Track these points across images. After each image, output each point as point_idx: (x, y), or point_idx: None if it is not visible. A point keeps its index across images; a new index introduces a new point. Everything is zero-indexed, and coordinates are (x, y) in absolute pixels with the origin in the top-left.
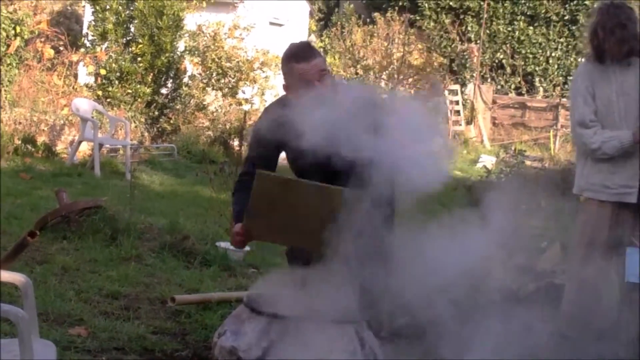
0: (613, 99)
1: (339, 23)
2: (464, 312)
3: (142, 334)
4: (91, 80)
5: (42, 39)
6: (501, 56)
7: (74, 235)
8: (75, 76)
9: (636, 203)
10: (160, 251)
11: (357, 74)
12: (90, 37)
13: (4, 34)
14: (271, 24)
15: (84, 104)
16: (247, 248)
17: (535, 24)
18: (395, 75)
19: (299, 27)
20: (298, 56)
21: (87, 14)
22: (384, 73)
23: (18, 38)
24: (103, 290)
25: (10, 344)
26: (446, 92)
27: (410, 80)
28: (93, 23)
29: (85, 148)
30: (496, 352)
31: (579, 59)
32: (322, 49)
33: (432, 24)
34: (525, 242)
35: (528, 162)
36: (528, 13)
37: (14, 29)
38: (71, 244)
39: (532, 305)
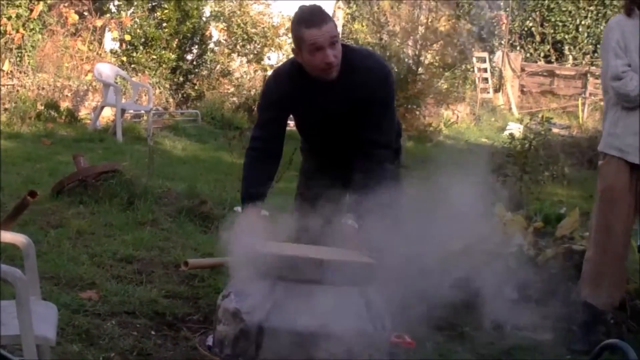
0: None
1: None
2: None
3: (154, 297)
4: (116, 45)
5: (66, 4)
6: (530, 24)
7: (91, 200)
8: (100, 42)
9: None
10: (177, 216)
11: (381, 39)
12: (115, 2)
13: None
14: None
15: (107, 69)
16: (265, 213)
17: None
18: (421, 42)
19: None
20: (308, 21)
21: None
22: (409, 39)
23: (41, 2)
24: (117, 254)
25: (10, 306)
26: (474, 60)
27: (436, 46)
28: None
29: (108, 114)
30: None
31: None
32: (349, 16)
33: None
34: (544, 208)
35: (556, 130)
36: None
37: None
38: (87, 208)
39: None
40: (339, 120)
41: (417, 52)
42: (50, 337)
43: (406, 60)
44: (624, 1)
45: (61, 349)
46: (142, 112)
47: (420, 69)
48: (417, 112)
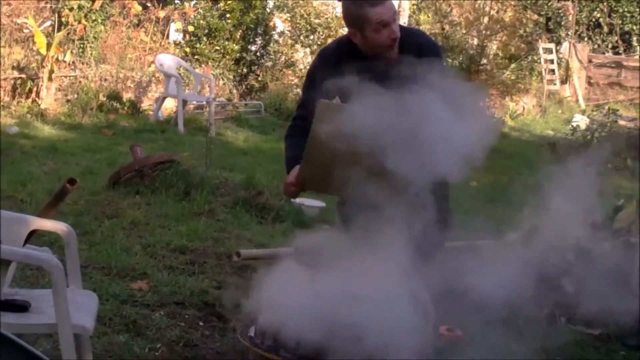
0: None
1: None
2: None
3: (204, 288)
4: (180, 37)
5: None
6: (598, 15)
7: (147, 190)
8: (163, 32)
9: None
10: (234, 206)
11: (443, 29)
12: None
13: None
14: None
15: (168, 60)
16: (322, 204)
17: None
18: (484, 31)
19: None
20: (372, 0)
21: None
22: (473, 29)
23: None
24: (170, 244)
25: (48, 295)
26: (541, 51)
27: (500, 37)
28: None
29: (171, 105)
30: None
31: None
32: (415, 6)
33: None
34: (604, 200)
35: (623, 122)
36: None
37: None
38: (144, 198)
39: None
40: (391, 102)
41: (480, 43)
42: (87, 326)
43: (469, 50)
44: None
45: (107, 339)
46: (204, 103)
47: (483, 59)
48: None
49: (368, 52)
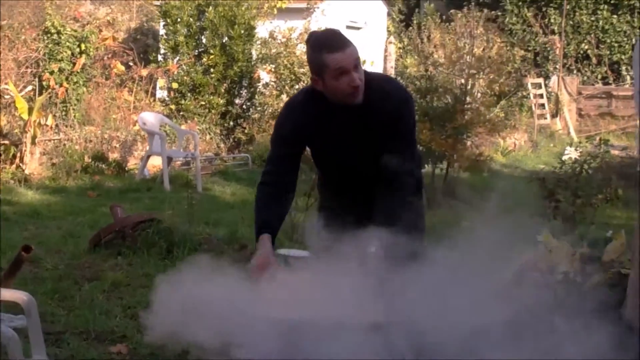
0: None
1: (417, 23)
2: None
3: (186, 349)
4: (164, 94)
5: (109, 55)
6: (586, 47)
7: (129, 251)
8: (147, 91)
9: None
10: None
11: (426, 70)
12: (162, 51)
13: (69, 52)
14: (348, 27)
15: (151, 118)
16: (306, 254)
17: (619, 12)
18: (467, 70)
19: (376, 29)
20: (330, 46)
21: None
22: (455, 68)
23: (84, 56)
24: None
25: None
26: (530, 86)
27: (485, 75)
28: (164, 36)
29: (158, 163)
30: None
31: None
32: (401, 49)
33: (514, 18)
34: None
35: (615, 152)
36: (611, 1)
37: (79, 46)
38: (125, 259)
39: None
40: (359, 148)
41: (464, 82)
42: None
43: (454, 90)
44: None
45: None
46: (190, 158)
47: (468, 98)
48: (467, 142)
49: (332, 100)
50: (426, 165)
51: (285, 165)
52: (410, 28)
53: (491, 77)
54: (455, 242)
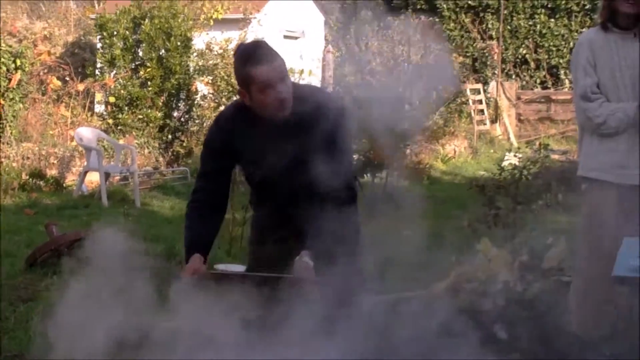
0: (617, 72)
1: (354, 31)
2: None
3: None
4: (101, 109)
5: (45, 70)
6: (524, 51)
7: (65, 269)
8: (84, 106)
9: None
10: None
11: (363, 79)
12: (98, 65)
13: (4, 68)
14: (285, 37)
15: (88, 133)
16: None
17: (557, 16)
18: (404, 78)
19: (314, 38)
20: (256, 59)
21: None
22: (391, 76)
23: (19, 71)
24: None
25: None
26: (468, 92)
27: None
28: (101, 50)
29: (96, 178)
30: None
31: None
32: (339, 58)
33: (451, 24)
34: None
35: (555, 156)
36: (548, 5)
37: (14, 62)
38: (61, 278)
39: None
40: (291, 162)
41: (401, 90)
42: None
43: (391, 98)
44: (601, 14)
45: None
46: (127, 174)
47: (406, 106)
48: (406, 151)
49: (261, 113)
50: (365, 175)
51: (216, 182)
52: (348, 36)
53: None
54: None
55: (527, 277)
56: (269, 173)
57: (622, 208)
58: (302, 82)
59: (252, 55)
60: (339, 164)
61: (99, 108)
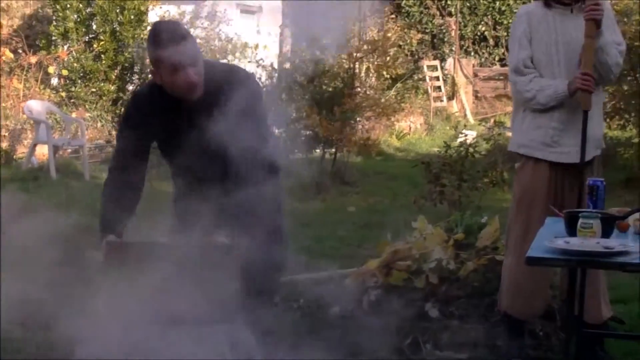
0: (552, 47)
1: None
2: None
3: None
4: (55, 81)
5: None
6: (483, 28)
7: None
8: (37, 79)
9: (578, 164)
10: None
11: (314, 54)
12: (52, 38)
13: None
14: (242, 11)
15: (38, 106)
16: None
17: None
18: (355, 54)
19: (272, 12)
20: (166, 40)
21: None
22: (343, 52)
23: None
24: None
25: None
26: (425, 69)
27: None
28: (54, 23)
29: (47, 151)
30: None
31: None
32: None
33: (411, 0)
34: (465, 219)
35: (509, 134)
36: None
37: None
38: None
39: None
40: (206, 142)
41: (351, 65)
42: None
43: (341, 74)
44: None
45: None
46: (78, 146)
47: (356, 82)
48: (357, 127)
49: (172, 94)
50: (315, 151)
51: (133, 159)
52: (305, 11)
53: (386, 59)
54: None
55: (461, 256)
56: (183, 153)
57: (553, 186)
58: (256, 56)
59: (163, 37)
60: (254, 143)
61: (54, 81)
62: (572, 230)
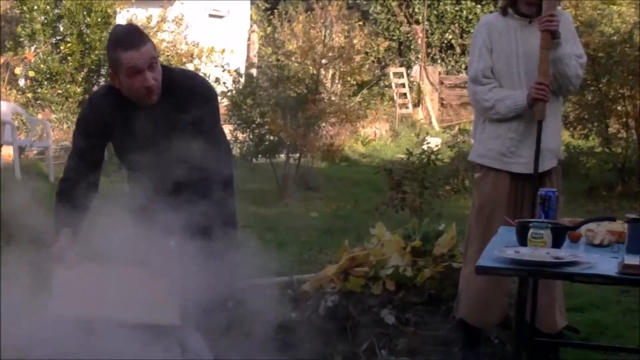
0: (512, 58)
1: (279, 12)
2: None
3: None
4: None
5: None
6: (450, 36)
7: None
8: (4, 80)
9: (535, 175)
10: None
11: (278, 60)
12: (20, 39)
13: None
14: (211, 15)
15: (3, 107)
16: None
17: (483, 2)
18: (319, 60)
19: (240, 17)
20: (125, 43)
21: None
22: (307, 58)
23: None
24: None
25: None
26: (391, 75)
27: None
28: (21, 24)
29: (11, 152)
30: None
31: None
32: (264, 38)
33: (378, 7)
34: (423, 226)
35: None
36: None
37: None
38: None
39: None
40: (161, 146)
41: (315, 72)
42: None
43: (305, 80)
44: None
45: None
46: (43, 148)
47: (320, 88)
48: (321, 132)
49: (129, 97)
50: (278, 156)
51: (87, 161)
52: (272, 17)
53: (352, 65)
54: (301, 235)
55: (418, 263)
56: (138, 158)
57: (513, 197)
58: (223, 61)
59: (121, 40)
60: (209, 150)
61: (21, 82)
62: (523, 240)
